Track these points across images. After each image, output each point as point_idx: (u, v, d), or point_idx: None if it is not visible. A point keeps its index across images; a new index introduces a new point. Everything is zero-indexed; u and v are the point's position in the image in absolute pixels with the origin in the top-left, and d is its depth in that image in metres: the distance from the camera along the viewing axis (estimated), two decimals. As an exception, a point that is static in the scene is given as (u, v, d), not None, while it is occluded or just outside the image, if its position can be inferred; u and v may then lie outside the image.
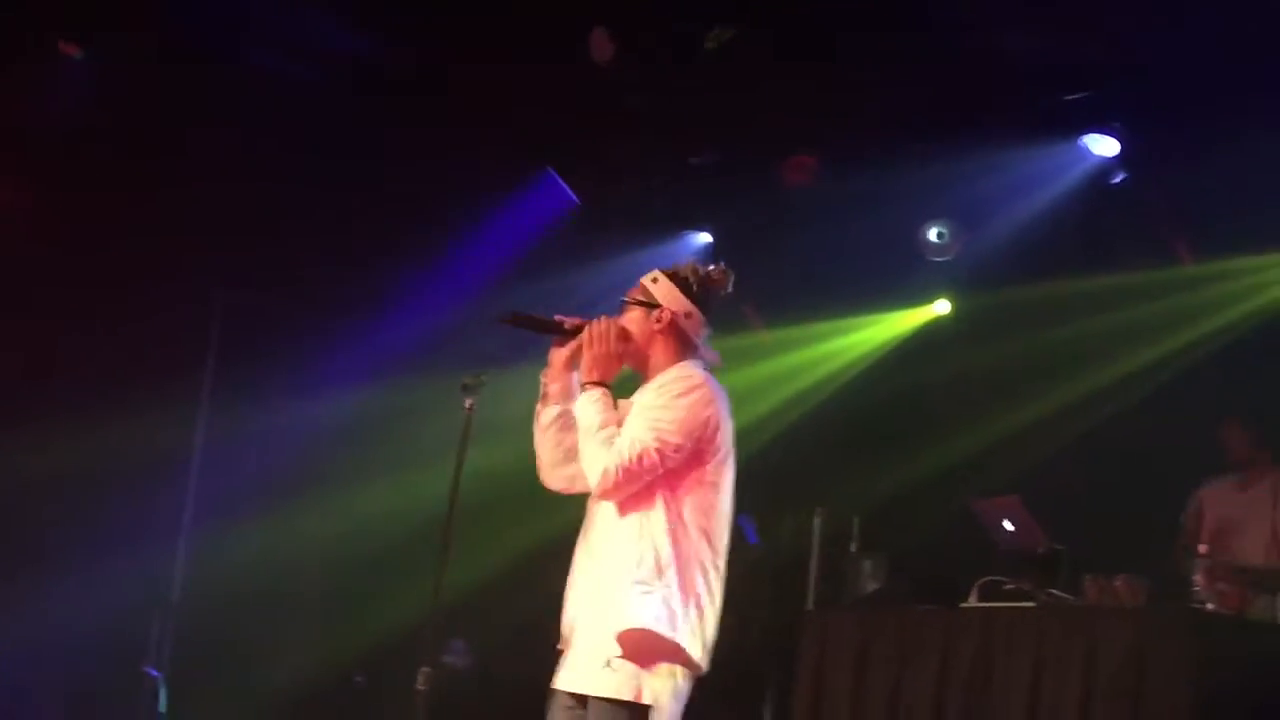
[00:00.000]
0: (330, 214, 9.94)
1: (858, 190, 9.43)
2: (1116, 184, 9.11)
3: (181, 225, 9.73)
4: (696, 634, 4.79)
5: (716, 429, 4.89)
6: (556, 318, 5.11)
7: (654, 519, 4.82)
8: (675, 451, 4.82)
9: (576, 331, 5.05)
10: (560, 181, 10.31)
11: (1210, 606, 7.11)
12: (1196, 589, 7.13)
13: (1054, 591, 7.60)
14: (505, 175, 10.20)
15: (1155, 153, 8.90)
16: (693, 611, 4.78)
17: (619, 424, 4.93)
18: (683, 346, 5.01)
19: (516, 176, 10.28)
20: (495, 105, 9.43)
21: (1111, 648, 6.91)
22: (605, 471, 4.83)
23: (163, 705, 9.65)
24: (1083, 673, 6.96)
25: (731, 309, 10.34)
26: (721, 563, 4.90)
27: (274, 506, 10.14)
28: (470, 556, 7.20)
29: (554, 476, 5.17)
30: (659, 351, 5.00)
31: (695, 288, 5.04)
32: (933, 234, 9.76)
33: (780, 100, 9.06)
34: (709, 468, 4.88)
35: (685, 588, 4.78)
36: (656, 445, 4.80)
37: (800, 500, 9.82)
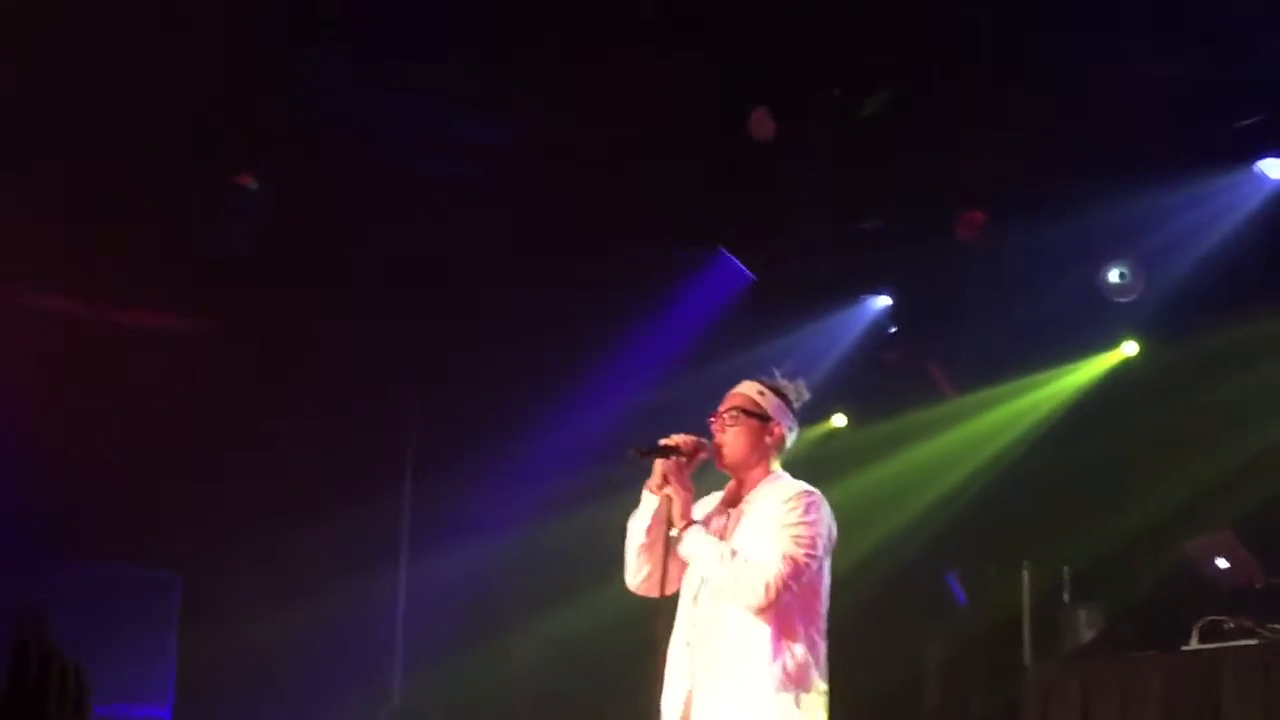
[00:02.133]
0: (504, 316, 10.08)
1: (1034, 240, 9.35)
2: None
3: (365, 341, 9.95)
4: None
5: (833, 539, 5.39)
6: (666, 442, 5.44)
7: (789, 627, 5.29)
8: (818, 565, 5.32)
9: (693, 449, 5.43)
10: (733, 259, 10.36)
11: None
12: None
13: (1277, 626, 7.45)
14: (677, 259, 10.28)
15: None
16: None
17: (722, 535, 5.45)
18: (779, 457, 5.50)
19: (691, 258, 10.35)
20: (660, 185, 9.53)
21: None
22: (767, 586, 5.24)
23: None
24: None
25: (918, 374, 10.31)
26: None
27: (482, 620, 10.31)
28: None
29: (640, 582, 5.58)
30: (763, 462, 5.47)
31: (795, 404, 5.54)
32: (1114, 275, 9.64)
33: (946, 157, 9.05)
34: (824, 575, 5.39)
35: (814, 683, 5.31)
36: (805, 559, 5.25)
37: (1008, 557, 9.72)
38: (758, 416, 5.49)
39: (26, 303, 9.46)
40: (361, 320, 9.98)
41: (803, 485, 5.45)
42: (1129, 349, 10.08)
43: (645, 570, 5.60)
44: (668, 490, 5.50)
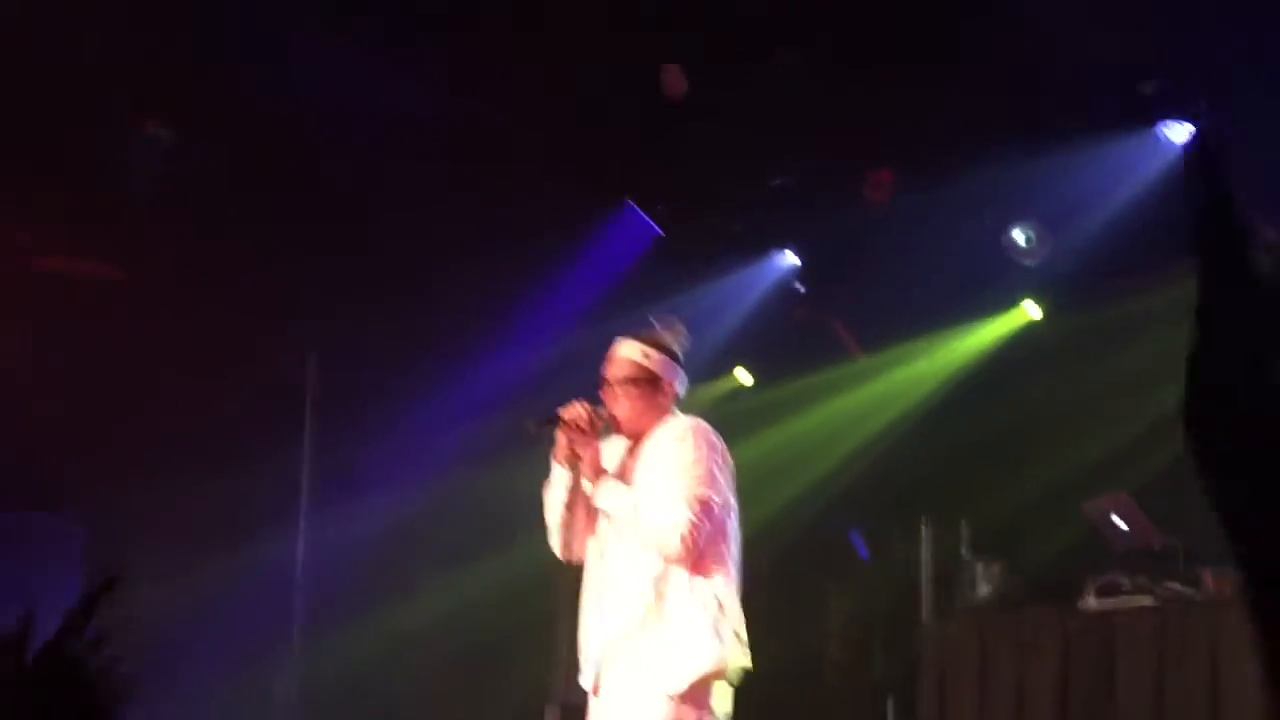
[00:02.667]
0: (412, 265, 10.03)
1: (940, 200, 9.42)
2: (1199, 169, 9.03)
3: (270, 286, 9.88)
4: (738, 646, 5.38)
5: (729, 463, 5.47)
6: (563, 414, 5.53)
7: (701, 567, 5.37)
8: (722, 498, 5.39)
9: (588, 423, 5.53)
10: (641, 213, 10.37)
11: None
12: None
13: (1172, 586, 7.56)
14: (585, 212, 10.27)
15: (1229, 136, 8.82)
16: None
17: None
18: (674, 407, 5.58)
19: (596, 212, 10.34)
20: (568, 141, 9.52)
21: (1236, 641, 6.86)
22: (683, 538, 5.29)
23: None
24: (1209, 668, 6.91)
25: (822, 333, 10.35)
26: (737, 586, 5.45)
27: (386, 586, 10.27)
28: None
29: (560, 546, 5.64)
30: (656, 417, 5.53)
31: (679, 352, 5.62)
32: (1019, 237, 9.72)
33: (853, 115, 9.09)
34: (731, 507, 5.46)
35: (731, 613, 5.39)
36: (707, 495, 5.33)
37: (908, 513, 9.82)
38: (647, 381, 5.52)
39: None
40: (268, 267, 9.90)
41: (688, 420, 5.51)
42: (1032, 310, 10.17)
43: (571, 540, 5.61)
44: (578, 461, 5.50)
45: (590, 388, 5.74)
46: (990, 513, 9.45)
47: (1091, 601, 7.68)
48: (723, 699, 5.40)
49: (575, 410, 5.56)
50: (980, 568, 8.93)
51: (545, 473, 5.73)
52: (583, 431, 5.52)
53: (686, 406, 5.74)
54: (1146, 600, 7.49)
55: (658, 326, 5.74)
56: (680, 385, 5.63)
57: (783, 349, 10.68)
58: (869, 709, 9.89)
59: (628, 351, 5.61)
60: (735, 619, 5.39)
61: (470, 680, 10.41)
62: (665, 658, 5.32)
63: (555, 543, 5.66)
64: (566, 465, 5.57)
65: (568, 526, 5.58)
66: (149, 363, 9.73)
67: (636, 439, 5.60)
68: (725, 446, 5.50)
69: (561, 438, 5.55)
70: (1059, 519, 9.01)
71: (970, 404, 10.06)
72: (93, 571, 9.45)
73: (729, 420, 10.24)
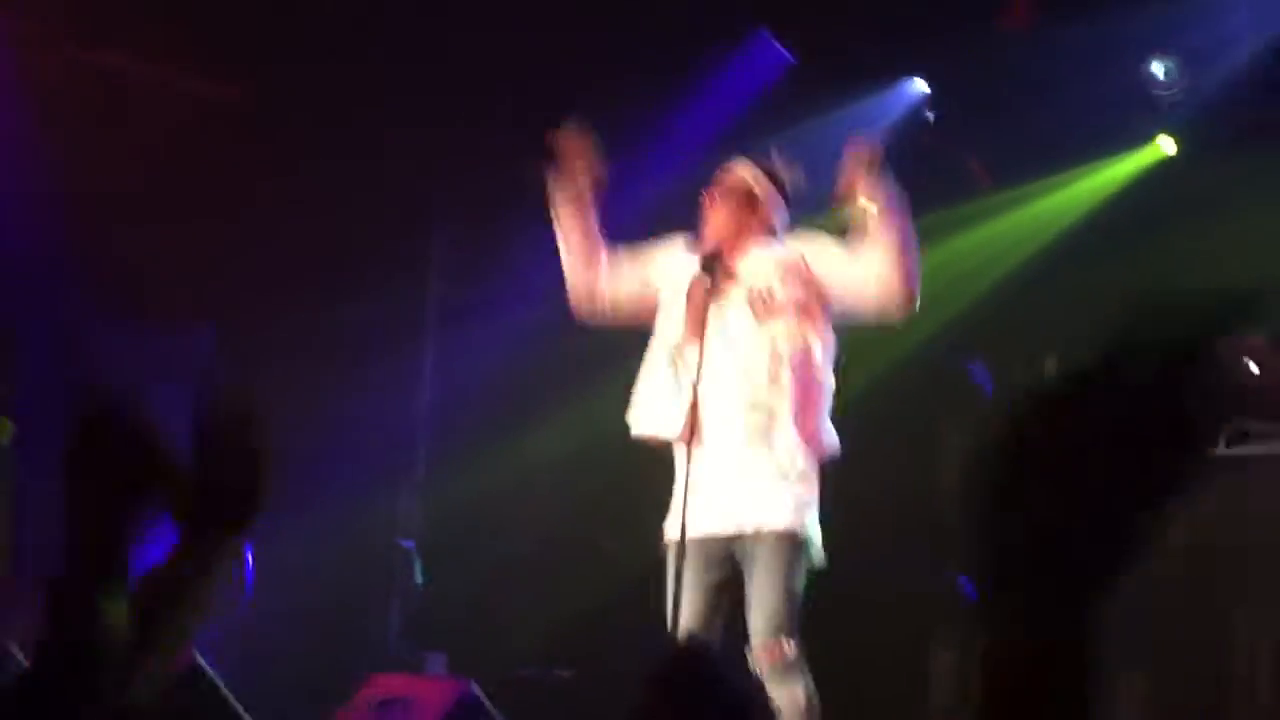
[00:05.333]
0: (544, 95, 9.96)
1: (1079, 31, 9.22)
2: None
3: (398, 104, 9.86)
4: None
5: None
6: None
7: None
8: None
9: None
10: (773, 41, 10.23)
11: None
12: None
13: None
14: (718, 40, 10.14)
15: None
16: None
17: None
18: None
19: (729, 41, 10.21)
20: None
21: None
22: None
23: (419, 577, 9.92)
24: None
25: (953, 165, 10.20)
26: None
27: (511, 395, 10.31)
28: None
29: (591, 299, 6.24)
30: (744, 238, 5.85)
31: (787, 188, 5.92)
32: (1158, 70, 9.51)
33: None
34: None
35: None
36: None
37: (1034, 354, 9.74)
38: (746, 198, 5.70)
39: (70, 56, 9.36)
40: (396, 83, 9.87)
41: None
42: (1166, 146, 9.96)
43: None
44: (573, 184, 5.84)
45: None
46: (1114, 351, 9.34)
47: (1222, 449, 7.61)
48: None
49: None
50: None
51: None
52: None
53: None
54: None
55: (775, 156, 5.77)
56: (779, 218, 5.74)
57: (910, 179, 10.53)
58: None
59: (742, 169, 5.72)
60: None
61: (599, 513, 10.49)
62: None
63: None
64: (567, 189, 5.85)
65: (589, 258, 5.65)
66: (275, 179, 9.76)
67: (715, 256, 5.56)
68: None
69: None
70: (1188, 361, 8.86)
71: (1104, 243, 9.91)
72: (218, 386, 9.56)
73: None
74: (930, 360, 10.10)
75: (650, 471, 9.38)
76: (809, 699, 5.48)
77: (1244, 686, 7.45)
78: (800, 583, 5.56)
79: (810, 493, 5.52)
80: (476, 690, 5.45)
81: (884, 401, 9.95)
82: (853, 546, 9.98)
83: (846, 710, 8.98)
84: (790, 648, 5.45)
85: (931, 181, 10.42)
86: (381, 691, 5.77)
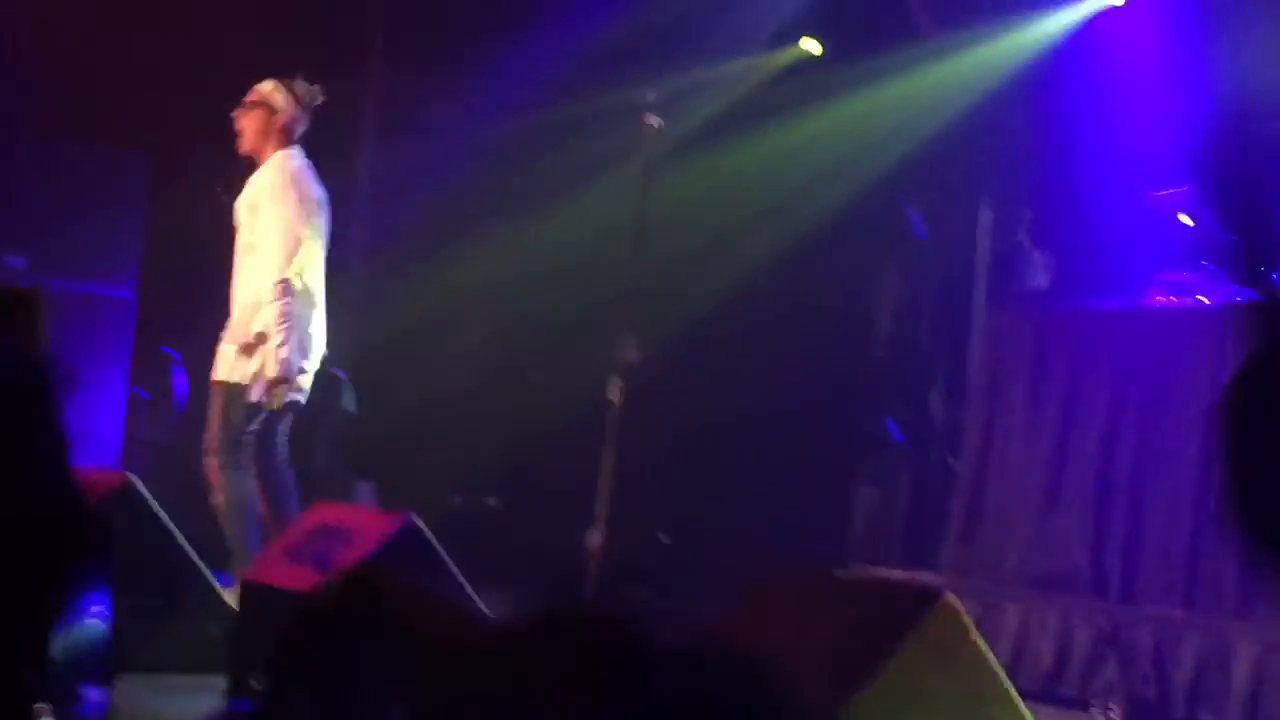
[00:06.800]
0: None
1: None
2: None
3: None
4: None
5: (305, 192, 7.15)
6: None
7: None
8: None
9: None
10: None
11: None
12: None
13: (1238, 286, 7.50)
14: None
15: None
16: None
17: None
18: (287, 144, 7.19)
19: None
20: None
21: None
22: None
23: (350, 404, 9.94)
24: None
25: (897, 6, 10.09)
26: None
27: (447, 218, 10.27)
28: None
29: None
30: (269, 145, 7.17)
31: (305, 101, 7.17)
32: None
33: None
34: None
35: None
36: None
37: (968, 196, 9.78)
38: (267, 108, 7.10)
39: None
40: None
41: (283, 153, 7.09)
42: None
43: None
44: None
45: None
46: (1052, 202, 9.39)
47: (1151, 298, 7.65)
48: None
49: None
50: (1038, 257, 8.92)
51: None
52: None
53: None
54: (1208, 300, 7.43)
55: (298, 79, 7.14)
56: (296, 124, 7.15)
57: (854, 20, 10.46)
58: (914, 385, 10.01)
59: (262, 85, 7.11)
60: None
61: (526, 345, 10.51)
62: None
63: None
64: None
65: None
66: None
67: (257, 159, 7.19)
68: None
69: None
70: (1122, 212, 8.92)
71: (1040, 89, 9.88)
72: (157, 206, 9.46)
73: (797, 93, 10.19)
74: (866, 200, 10.11)
75: (576, 303, 9.43)
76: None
77: None
78: (238, 418, 6.95)
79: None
80: (417, 521, 5.47)
81: (822, 248, 9.99)
82: (793, 384, 10.12)
83: (778, 534, 9.14)
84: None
85: (872, 26, 10.39)
86: (320, 520, 5.79)
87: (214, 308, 7.36)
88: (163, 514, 6.11)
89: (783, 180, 9.99)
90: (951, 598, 3.97)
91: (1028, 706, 4.21)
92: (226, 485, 6.90)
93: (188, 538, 6.13)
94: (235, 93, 7.30)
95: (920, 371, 10.01)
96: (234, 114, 7.16)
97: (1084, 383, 7.56)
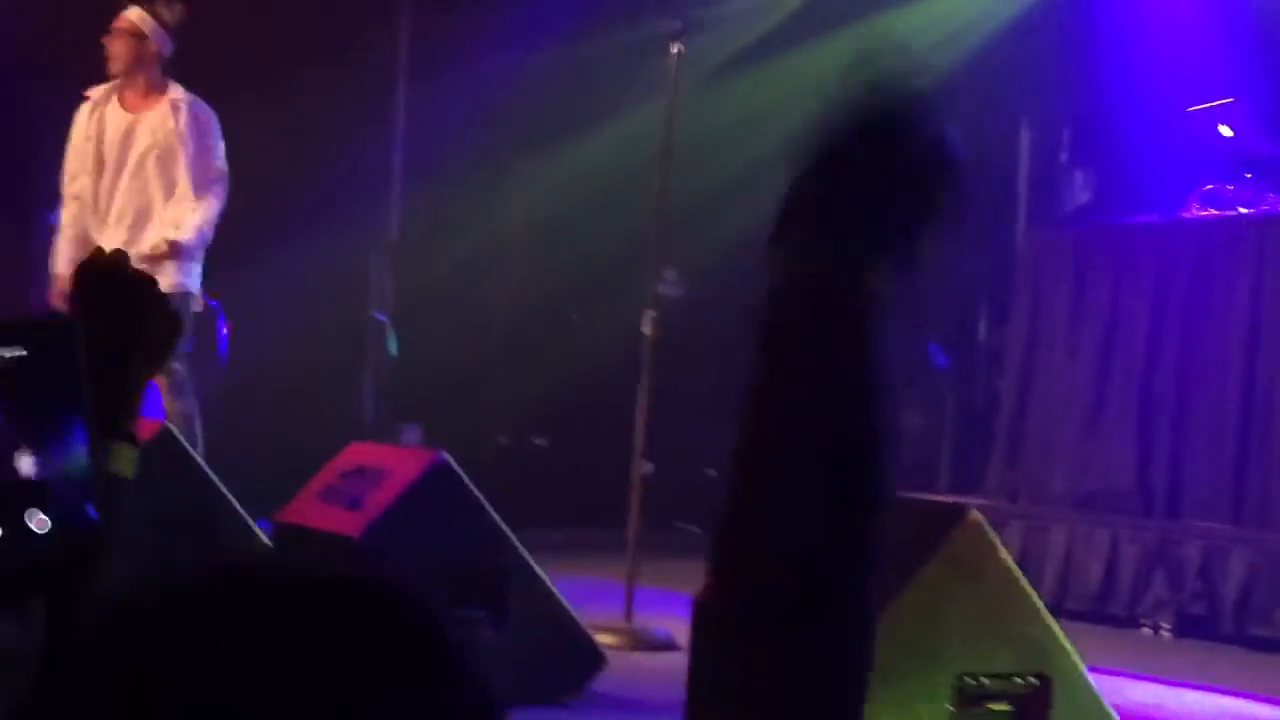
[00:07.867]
0: None
1: None
2: None
3: None
4: None
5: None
6: None
7: None
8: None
9: None
10: None
11: None
12: None
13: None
14: None
15: None
16: None
17: None
18: (158, 66, 7.32)
19: None
20: None
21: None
22: None
23: (393, 348, 9.93)
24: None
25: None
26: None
27: (483, 155, 10.22)
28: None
29: None
30: (143, 71, 7.28)
31: (170, 22, 7.22)
32: None
33: None
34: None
35: None
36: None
37: (1007, 115, 9.66)
38: (136, 36, 7.15)
39: None
40: None
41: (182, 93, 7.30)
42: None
43: None
44: None
45: None
46: (1091, 120, 9.28)
47: (1193, 212, 7.58)
48: None
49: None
50: (1079, 176, 8.83)
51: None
52: None
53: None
54: (1247, 209, 7.36)
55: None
56: (164, 48, 7.23)
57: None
58: (958, 310, 9.93)
59: (130, 12, 7.15)
60: None
61: (567, 285, 10.48)
62: None
63: None
64: None
65: None
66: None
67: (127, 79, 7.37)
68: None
69: None
70: (1161, 127, 8.81)
71: (1076, 10, 9.74)
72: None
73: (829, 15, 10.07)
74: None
75: (616, 247, 9.39)
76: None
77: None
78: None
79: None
80: (449, 460, 5.46)
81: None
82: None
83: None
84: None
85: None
86: (355, 460, 5.79)
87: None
88: (202, 461, 6.12)
89: (817, 105, 9.88)
90: (976, 514, 3.94)
91: (1078, 627, 4.19)
92: None
93: (227, 485, 6.14)
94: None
95: (963, 295, 9.93)
96: (103, 40, 7.22)
97: (1125, 299, 7.51)
